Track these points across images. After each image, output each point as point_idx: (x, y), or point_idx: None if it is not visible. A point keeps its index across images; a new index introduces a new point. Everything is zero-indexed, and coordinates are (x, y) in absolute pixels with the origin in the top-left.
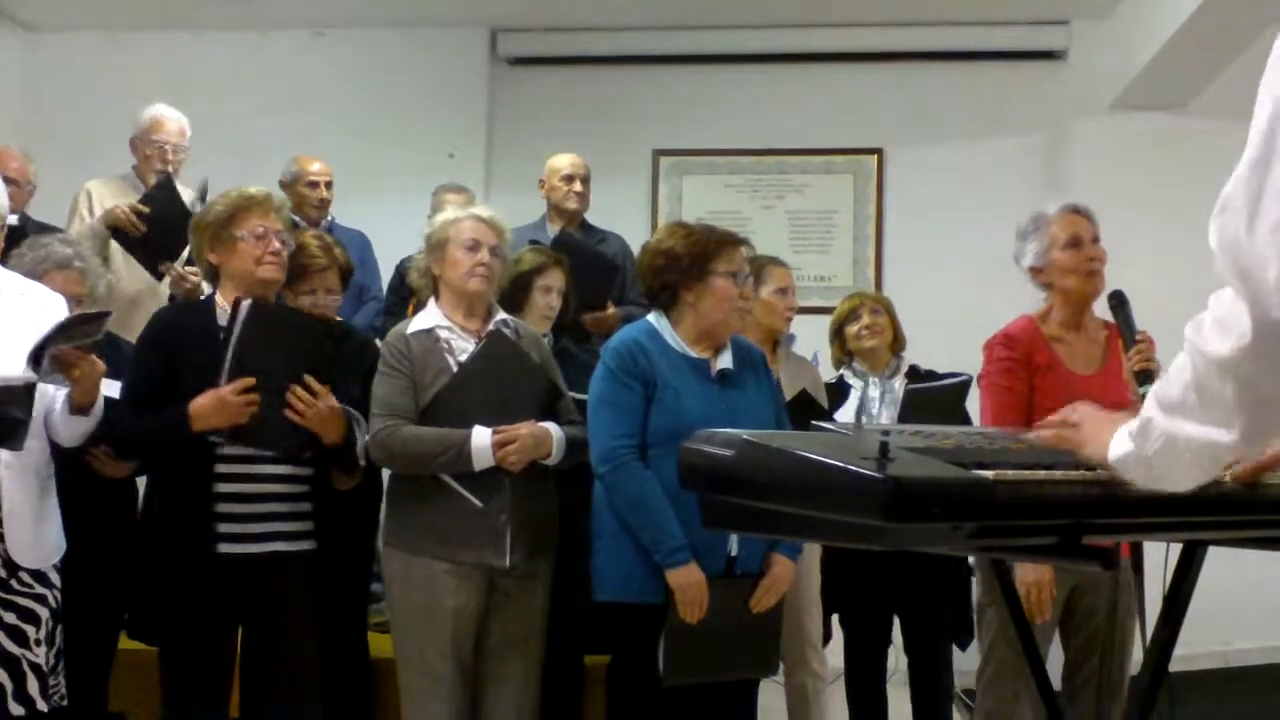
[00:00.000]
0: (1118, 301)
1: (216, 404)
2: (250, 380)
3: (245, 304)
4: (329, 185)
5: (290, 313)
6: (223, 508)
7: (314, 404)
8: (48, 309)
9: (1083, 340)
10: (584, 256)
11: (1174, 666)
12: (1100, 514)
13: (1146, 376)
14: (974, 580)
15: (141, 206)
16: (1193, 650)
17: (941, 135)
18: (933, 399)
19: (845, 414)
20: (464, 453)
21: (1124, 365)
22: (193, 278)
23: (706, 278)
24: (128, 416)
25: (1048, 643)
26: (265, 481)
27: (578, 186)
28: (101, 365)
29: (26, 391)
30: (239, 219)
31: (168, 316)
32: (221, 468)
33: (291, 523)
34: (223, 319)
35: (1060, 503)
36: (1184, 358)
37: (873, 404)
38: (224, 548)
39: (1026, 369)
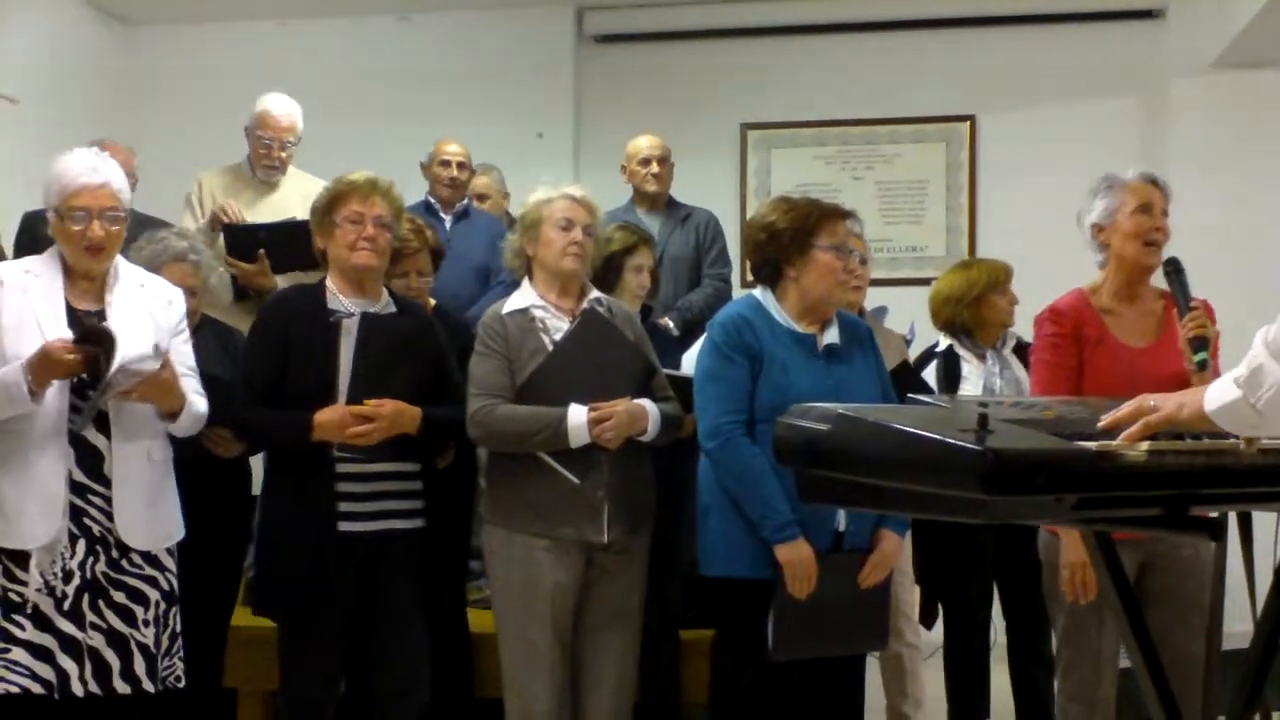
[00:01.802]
0: (1173, 268)
1: (340, 421)
2: (375, 410)
3: (355, 319)
4: (461, 166)
5: (401, 320)
6: (342, 487)
7: (379, 416)
8: (165, 300)
9: (1136, 312)
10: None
11: None
12: (1208, 484)
13: (1202, 343)
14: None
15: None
16: None
17: (1036, 100)
18: None
19: (970, 390)
20: (560, 430)
21: (1179, 334)
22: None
23: (809, 251)
24: (248, 403)
25: (1110, 627)
26: (381, 460)
27: (654, 169)
28: (161, 376)
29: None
30: (337, 204)
31: (280, 301)
32: (339, 450)
33: (404, 501)
34: (333, 303)
35: (1166, 473)
36: None
37: (994, 379)
38: (344, 526)
39: (1075, 343)
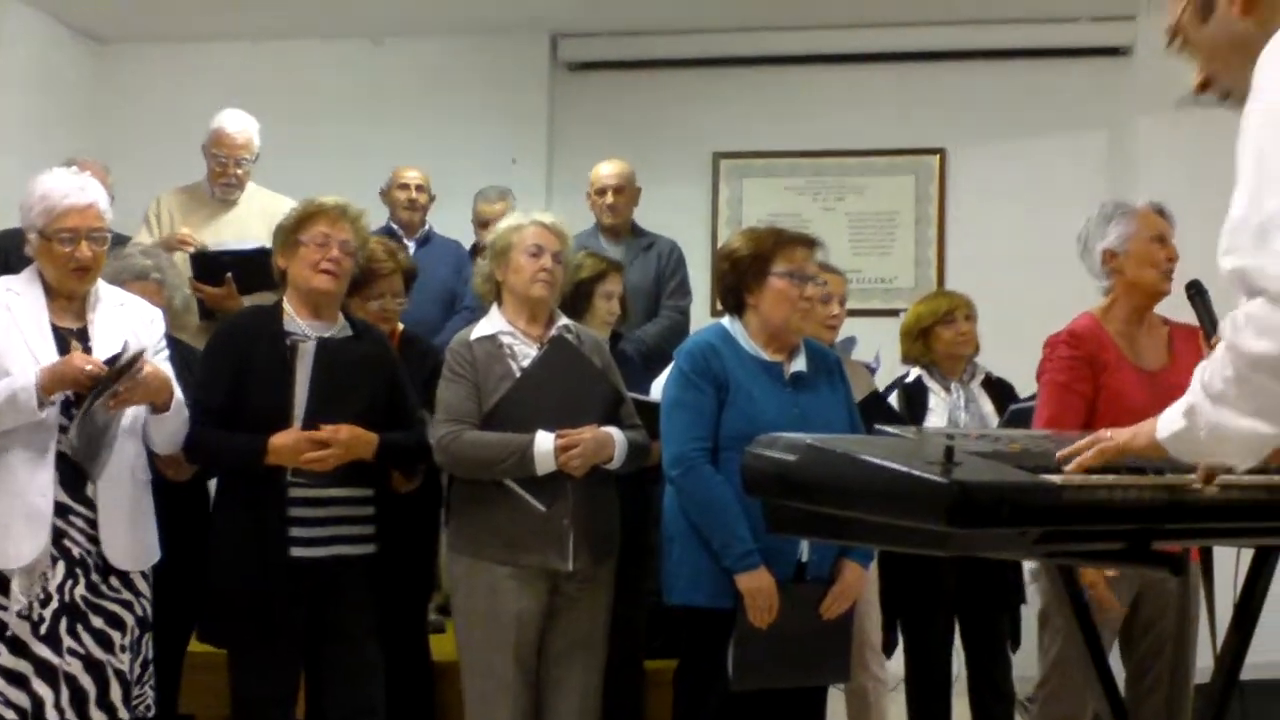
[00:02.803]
0: (1195, 291)
1: (295, 446)
2: (330, 435)
3: (312, 343)
4: (420, 189)
5: (358, 344)
6: (294, 512)
7: (335, 442)
8: (147, 319)
9: (1145, 336)
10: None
11: (1245, 674)
12: (1169, 519)
13: None
14: (1031, 587)
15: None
16: (1264, 658)
17: (1005, 134)
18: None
19: (934, 422)
20: (527, 457)
21: (1205, 355)
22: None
23: (765, 279)
24: (200, 425)
25: (1107, 650)
26: (333, 486)
27: (609, 199)
28: (149, 370)
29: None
30: (305, 224)
31: (236, 323)
32: (293, 475)
33: (355, 526)
34: (290, 325)
35: (1129, 507)
36: (1223, 351)
37: (959, 412)
38: (295, 551)
39: (1091, 368)
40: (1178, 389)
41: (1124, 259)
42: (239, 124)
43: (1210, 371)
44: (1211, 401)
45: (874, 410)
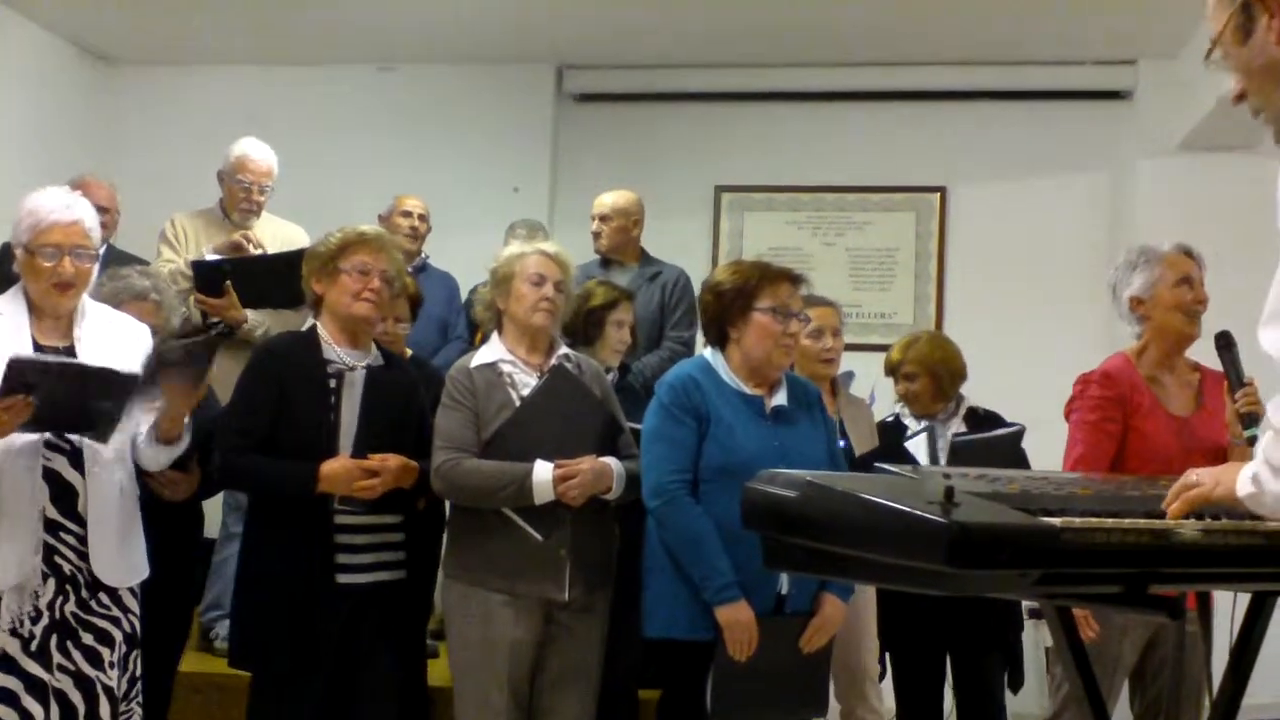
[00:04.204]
0: (1225, 343)
1: (347, 473)
2: (381, 465)
3: (361, 371)
4: (422, 218)
5: (392, 373)
6: (340, 539)
7: (385, 471)
8: (134, 337)
9: (1176, 382)
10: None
11: (1242, 717)
12: (1167, 563)
13: (1253, 419)
14: (1030, 624)
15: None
16: (1260, 700)
17: (1005, 174)
18: (982, 451)
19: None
20: (525, 486)
21: (1227, 408)
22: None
23: (749, 313)
24: (239, 450)
25: (1115, 696)
26: (373, 513)
27: (595, 226)
28: (194, 401)
29: (125, 386)
30: (346, 253)
31: (273, 349)
32: (340, 502)
33: (392, 552)
34: (328, 354)
35: (1127, 551)
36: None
37: (935, 450)
38: (341, 578)
39: (1122, 409)
40: (1205, 437)
41: (1150, 305)
42: (261, 151)
43: (1269, 447)
44: (1273, 474)
45: (883, 457)
